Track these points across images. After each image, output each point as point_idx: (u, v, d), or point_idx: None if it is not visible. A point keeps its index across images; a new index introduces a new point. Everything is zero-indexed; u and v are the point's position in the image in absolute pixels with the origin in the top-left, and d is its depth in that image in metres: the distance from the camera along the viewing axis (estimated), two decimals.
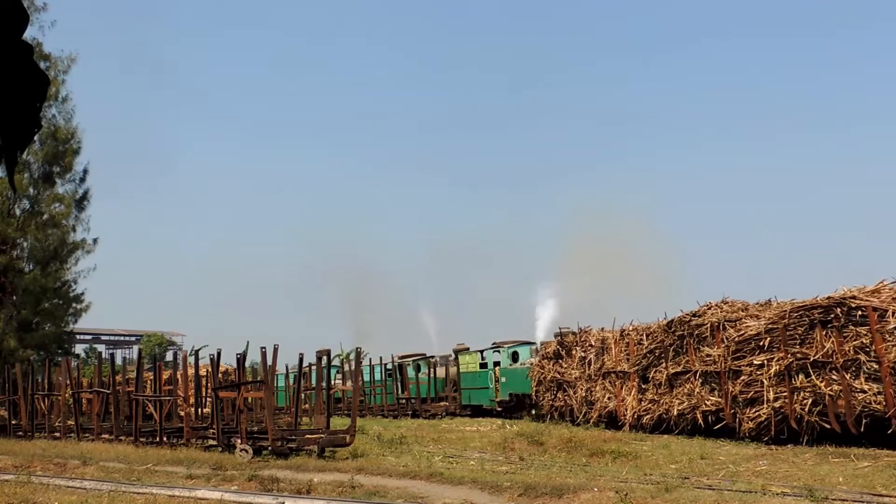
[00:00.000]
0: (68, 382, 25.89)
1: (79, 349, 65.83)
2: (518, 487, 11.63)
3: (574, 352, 26.46)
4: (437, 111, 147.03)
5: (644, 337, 22.91)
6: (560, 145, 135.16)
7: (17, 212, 34.26)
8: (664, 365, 21.53)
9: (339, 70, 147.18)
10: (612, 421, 23.78)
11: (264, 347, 19.81)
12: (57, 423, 25.87)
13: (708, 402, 19.72)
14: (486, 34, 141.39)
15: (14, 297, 34.07)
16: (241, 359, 20.30)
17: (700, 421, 19.84)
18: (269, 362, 19.96)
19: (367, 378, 37.08)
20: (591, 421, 24.30)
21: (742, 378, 18.61)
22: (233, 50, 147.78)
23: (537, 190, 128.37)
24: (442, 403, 33.96)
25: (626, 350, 23.66)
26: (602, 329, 25.96)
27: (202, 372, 26.38)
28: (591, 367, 25.14)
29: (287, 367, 38.44)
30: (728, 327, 19.27)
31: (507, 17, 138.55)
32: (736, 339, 18.94)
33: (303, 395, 25.56)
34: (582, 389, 25.45)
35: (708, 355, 19.82)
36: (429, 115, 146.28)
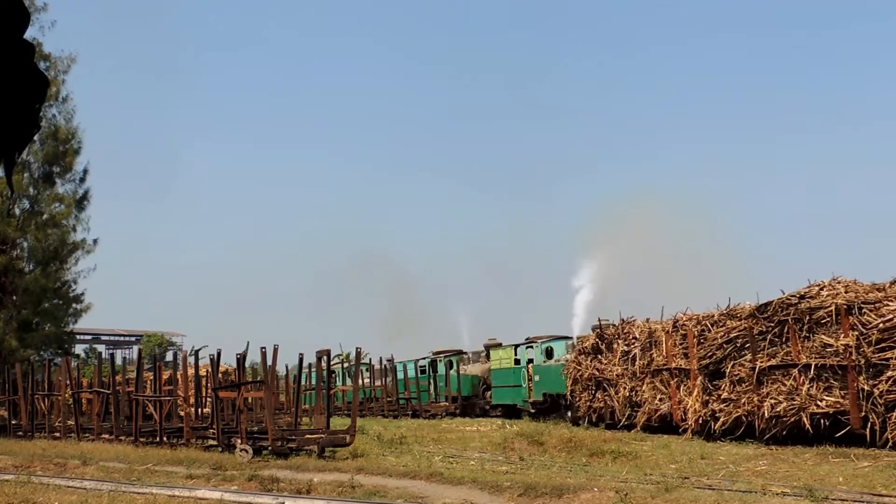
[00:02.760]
0: (68, 382, 25.89)
1: (79, 349, 65.81)
2: (518, 487, 11.63)
3: (615, 346, 23.55)
4: (443, 112, 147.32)
5: (708, 327, 19.77)
6: (575, 141, 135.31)
7: (17, 212, 34.26)
8: (748, 358, 18.20)
9: (341, 72, 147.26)
10: (665, 426, 21.10)
11: (264, 347, 19.86)
12: (57, 423, 25.87)
13: (822, 403, 16.35)
14: (495, 35, 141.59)
15: (14, 298, 34.07)
16: (241, 359, 20.30)
17: (807, 425, 16.46)
18: (269, 362, 19.99)
19: (400, 376, 35.88)
20: (639, 425, 21.67)
21: (888, 374, 15.34)
22: (240, 51, 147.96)
23: (553, 187, 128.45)
24: (442, 403, 33.55)
25: (681, 343, 20.76)
26: (647, 320, 23.16)
27: (202, 372, 26.37)
28: (637, 363, 22.35)
29: (287, 367, 38.45)
30: (866, 311, 15.89)
31: (515, 16, 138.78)
32: (879, 325, 15.61)
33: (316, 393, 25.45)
34: (625, 389, 22.64)
35: (826, 345, 16.45)
36: (434, 117, 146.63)
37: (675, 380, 20.82)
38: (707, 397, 19.44)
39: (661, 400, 21.28)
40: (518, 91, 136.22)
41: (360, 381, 35.13)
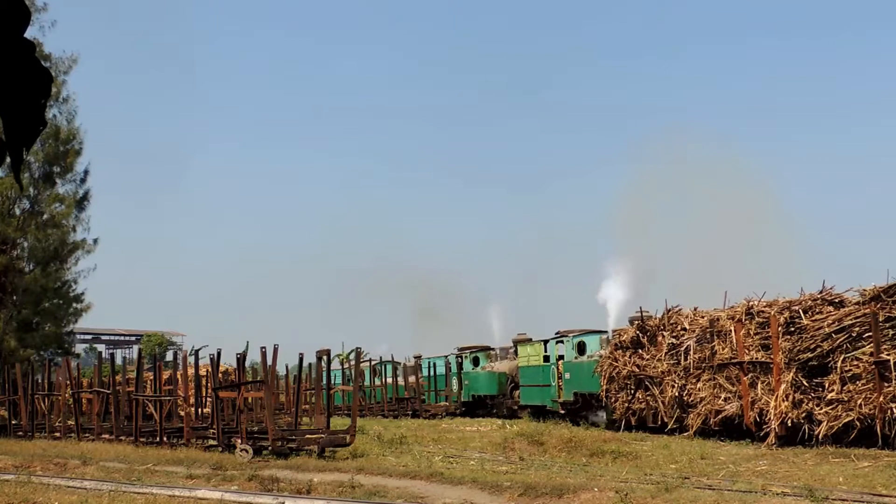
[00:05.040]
0: (68, 382, 25.88)
1: (79, 349, 65.83)
2: (518, 487, 11.63)
3: (660, 339, 21.20)
4: (452, 113, 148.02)
5: (800, 313, 17.17)
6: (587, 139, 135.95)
7: (18, 212, 34.24)
8: (869, 350, 15.72)
9: (346, 73, 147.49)
10: (731, 429, 18.68)
11: (264, 347, 19.87)
12: (57, 423, 25.86)
13: None
14: (502, 37, 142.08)
15: (14, 297, 34.05)
16: (241, 359, 20.31)
17: None
18: (269, 362, 19.99)
19: (425, 373, 34.86)
20: (693, 429, 19.33)
21: None
22: (251, 53, 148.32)
23: (571, 181, 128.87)
24: (442, 403, 33.37)
25: (757, 332, 18.24)
26: (695, 309, 20.89)
27: (202, 372, 26.36)
28: (690, 357, 19.89)
29: (287, 367, 38.30)
30: None
31: (523, 19, 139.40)
32: None
33: (333, 393, 25.25)
34: (673, 387, 20.28)
35: None
36: (443, 118, 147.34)
37: (749, 376, 18.14)
38: (801, 396, 16.81)
39: (725, 399, 18.74)
40: (527, 91, 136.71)
41: (394, 380, 34.81)
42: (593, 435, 20.92)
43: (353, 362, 32.25)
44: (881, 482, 12.59)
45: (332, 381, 23.37)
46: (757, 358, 18.17)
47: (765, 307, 18.35)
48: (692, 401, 19.76)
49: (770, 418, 17.26)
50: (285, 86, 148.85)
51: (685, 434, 19.47)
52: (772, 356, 17.68)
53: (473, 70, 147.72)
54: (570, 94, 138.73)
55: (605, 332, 26.38)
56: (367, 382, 36.27)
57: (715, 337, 19.40)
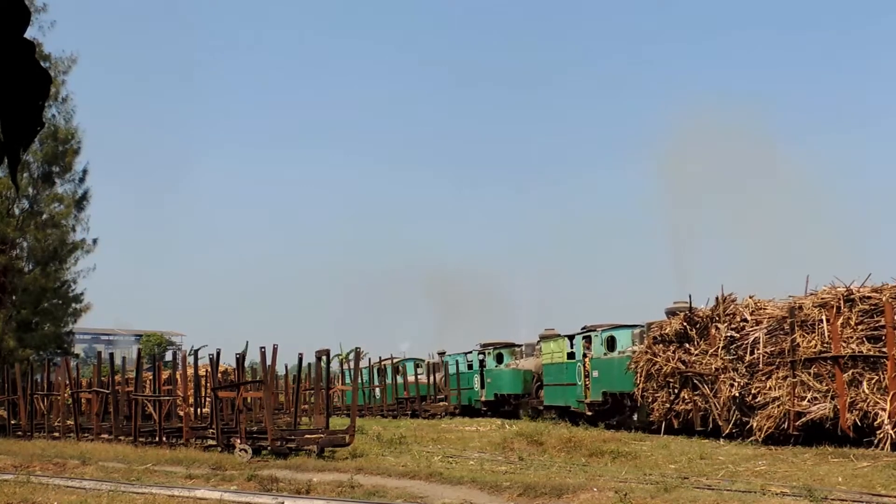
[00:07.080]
0: (67, 382, 25.88)
1: (78, 349, 65.82)
2: (517, 487, 11.64)
3: (713, 332, 19.00)
4: (452, 112, 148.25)
5: None
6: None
7: (17, 212, 34.25)
8: None
9: (345, 72, 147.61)
10: (815, 434, 16.29)
11: (263, 347, 19.88)
12: (56, 423, 25.86)
13: None
14: (503, 36, 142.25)
15: (13, 297, 34.06)
16: (241, 359, 20.33)
17: None
18: (269, 362, 20.00)
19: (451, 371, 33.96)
20: (761, 434, 16.86)
21: None
22: (252, 53, 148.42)
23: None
24: (441, 403, 33.29)
25: (863, 322, 15.95)
26: (752, 297, 18.92)
27: (201, 372, 26.37)
28: (759, 351, 17.55)
29: (286, 367, 38.25)
30: None
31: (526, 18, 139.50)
32: None
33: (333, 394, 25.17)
34: (731, 386, 17.99)
35: None
36: (439, 116, 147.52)
37: (849, 372, 15.79)
38: None
39: (811, 400, 16.36)
40: (529, 85, 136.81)
41: (393, 380, 34.52)
42: (593, 435, 20.93)
43: (352, 362, 32.19)
44: (880, 482, 12.60)
45: (335, 381, 23.39)
46: (860, 351, 15.73)
47: (871, 293, 16.12)
48: (759, 402, 17.39)
49: (882, 422, 14.96)
50: (288, 85, 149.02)
51: (750, 439, 17.35)
52: (884, 349, 15.39)
53: (473, 67, 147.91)
54: (572, 91, 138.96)
55: (639, 326, 23.87)
56: (398, 380, 35.59)
57: (796, 328, 16.87)
